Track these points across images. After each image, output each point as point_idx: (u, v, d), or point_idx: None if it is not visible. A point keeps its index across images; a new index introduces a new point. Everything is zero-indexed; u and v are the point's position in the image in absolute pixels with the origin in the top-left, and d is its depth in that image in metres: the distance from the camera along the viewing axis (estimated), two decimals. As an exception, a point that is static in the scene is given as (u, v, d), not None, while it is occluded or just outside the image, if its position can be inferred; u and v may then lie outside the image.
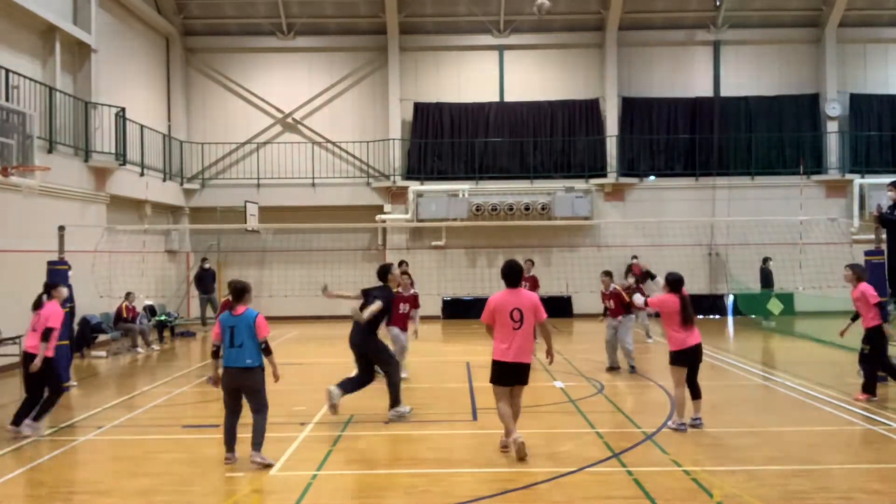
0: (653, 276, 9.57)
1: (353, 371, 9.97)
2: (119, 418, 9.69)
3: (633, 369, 12.75)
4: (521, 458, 7.40)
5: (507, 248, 22.31)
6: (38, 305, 9.25)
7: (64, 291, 9.74)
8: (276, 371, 7.61)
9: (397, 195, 23.70)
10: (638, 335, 15.88)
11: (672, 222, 22.11)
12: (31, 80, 15.19)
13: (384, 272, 10.04)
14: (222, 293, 22.70)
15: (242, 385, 7.44)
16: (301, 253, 23.35)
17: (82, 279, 14.57)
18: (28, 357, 8.94)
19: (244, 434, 7.73)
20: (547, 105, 24.28)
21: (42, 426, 8.96)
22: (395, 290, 10.67)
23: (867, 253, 12.23)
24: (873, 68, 24.48)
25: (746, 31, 24.43)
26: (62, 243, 12.52)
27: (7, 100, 13.83)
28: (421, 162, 24.08)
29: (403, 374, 11.84)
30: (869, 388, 10.18)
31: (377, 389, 11.88)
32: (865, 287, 10.30)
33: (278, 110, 24.53)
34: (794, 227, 20.79)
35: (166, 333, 18.79)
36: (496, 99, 24.42)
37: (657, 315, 9.68)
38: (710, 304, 23.00)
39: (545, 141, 24.07)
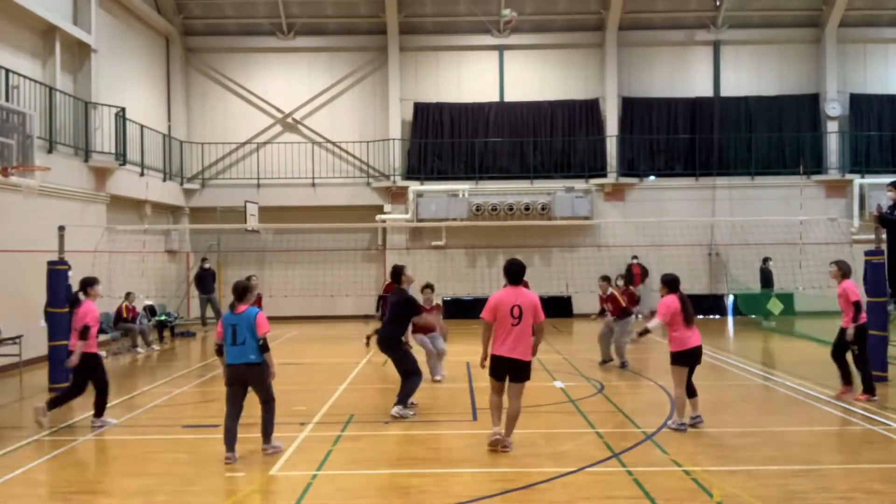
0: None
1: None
2: (119, 418, 9.69)
3: (624, 365, 13.15)
4: (493, 448, 7.80)
5: (507, 249, 22.31)
6: (74, 303, 9.64)
7: (99, 288, 9.91)
8: (272, 369, 7.80)
9: (397, 195, 23.71)
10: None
11: (672, 222, 22.12)
12: (31, 80, 15.19)
13: (397, 274, 10.21)
14: (222, 293, 22.74)
15: (248, 380, 7.72)
16: (301, 253, 23.36)
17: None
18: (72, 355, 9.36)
19: (244, 434, 7.80)
20: (547, 105, 24.28)
21: (109, 420, 9.43)
22: (404, 287, 10.69)
23: (867, 253, 12.23)
24: (873, 68, 24.48)
25: (746, 31, 24.43)
26: (62, 243, 12.53)
27: (7, 100, 13.84)
28: (421, 162, 24.08)
29: (437, 377, 11.92)
30: (868, 388, 10.18)
31: (377, 389, 11.90)
32: (848, 284, 10.26)
33: (278, 110, 24.54)
34: (794, 227, 20.79)
35: (166, 333, 18.78)
36: (496, 99, 24.42)
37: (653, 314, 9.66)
38: (710, 304, 23.01)
39: (545, 141, 24.07)
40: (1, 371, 13.29)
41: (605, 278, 13.83)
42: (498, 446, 7.80)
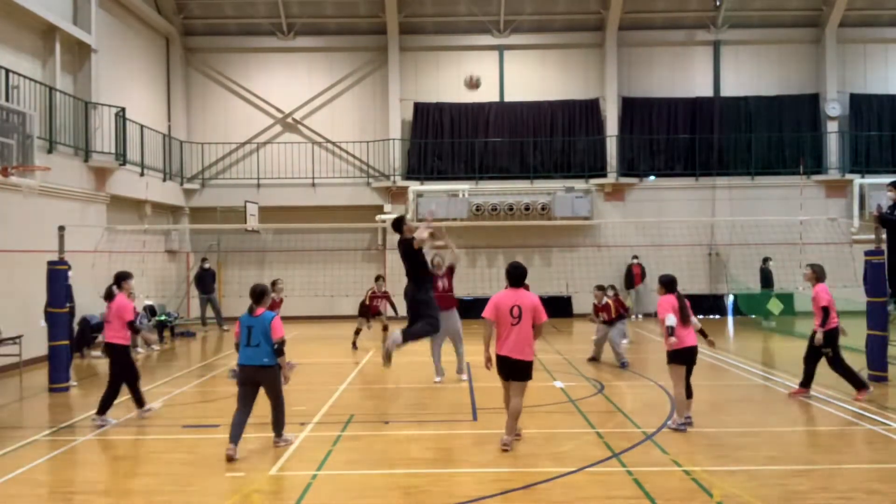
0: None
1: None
2: (119, 418, 9.69)
3: (624, 365, 13.28)
4: (504, 450, 7.81)
5: (507, 249, 22.31)
6: (109, 297, 9.72)
7: (132, 283, 9.99)
8: (286, 373, 8.04)
9: (397, 195, 23.70)
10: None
11: (672, 222, 22.13)
12: (31, 80, 15.19)
13: (398, 223, 10.45)
14: (222, 293, 22.75)
15: (260, 382, 7.91)
16: (301, 253, 23.37)
17: (82, 279, 14.60)
18: (109, 347, 9.52)
19: (248, 434, 7.89)
20: (547, 105, 24.28)
21: (110, 420, 9.47)
22: (408, 236, 10.38)
23: (867, 253, 12.20)
24: (873, 68, 24.49)
25: (746, 31, 24.44)
26: (62, 243, 12.52)
27: (7, 100, 13.84)
28: (421, 162, 24.08)
29: (437, 379, 11.88)
30: (858, 385, 10.17)
31: (377, 390, 11.91)
32: (820, 288, 10.30)
33: (278, 110, 24.54)
34: (794, 227, 20.78)
35: (166, 333, 18.79)
36: (496, 99, 24.42)
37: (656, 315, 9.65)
38: (710, 304, 23.00)
39: (545, 141, 24.08)
40: (1, 371, 13.28)
41: (601, 287, 14.08)
42: (509, 446, 7.88)
